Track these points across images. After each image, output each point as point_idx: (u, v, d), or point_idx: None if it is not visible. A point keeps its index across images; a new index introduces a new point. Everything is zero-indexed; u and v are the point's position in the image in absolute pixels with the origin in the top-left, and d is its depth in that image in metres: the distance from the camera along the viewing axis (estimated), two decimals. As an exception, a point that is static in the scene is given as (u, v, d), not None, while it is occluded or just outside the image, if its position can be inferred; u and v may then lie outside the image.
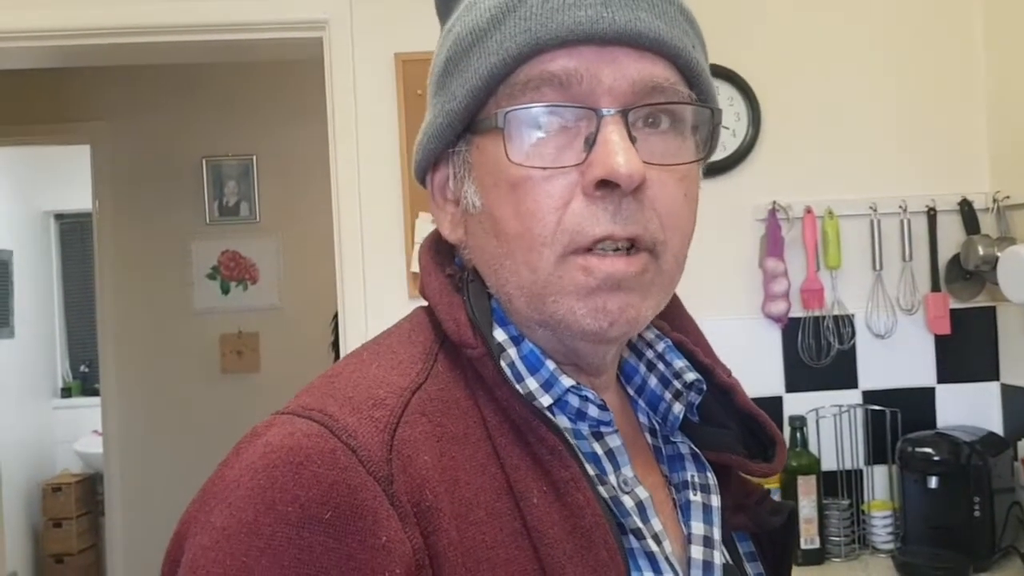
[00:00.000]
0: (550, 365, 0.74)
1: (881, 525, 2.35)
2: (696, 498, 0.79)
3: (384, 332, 0.79)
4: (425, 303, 0.79)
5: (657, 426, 0.83)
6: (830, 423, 2.44)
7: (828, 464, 2.41)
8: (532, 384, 0.74)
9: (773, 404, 2.44)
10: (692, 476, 0.80)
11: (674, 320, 0.87)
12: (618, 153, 0.68)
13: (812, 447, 2.38)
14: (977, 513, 2.20)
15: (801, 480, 2.30)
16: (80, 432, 5.81)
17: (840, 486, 2.41)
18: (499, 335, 0.75)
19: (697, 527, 0.78)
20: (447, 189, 0.79)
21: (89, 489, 5.50)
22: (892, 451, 2.39)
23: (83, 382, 6.17)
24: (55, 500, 5.38)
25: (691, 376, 0.81)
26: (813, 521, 2.30)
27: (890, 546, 2.34)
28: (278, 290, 4.45)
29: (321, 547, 0.60)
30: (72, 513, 5.36)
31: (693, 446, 0.81)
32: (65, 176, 5.70)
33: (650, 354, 0.84)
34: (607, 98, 0.69)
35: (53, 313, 6.15)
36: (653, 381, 0.83)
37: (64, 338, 6.27)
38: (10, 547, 5.13)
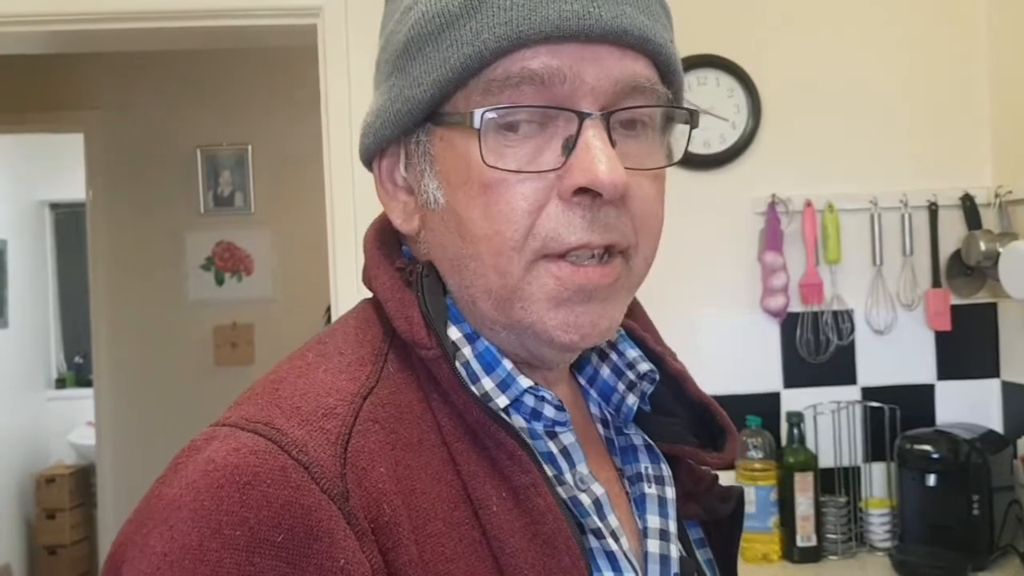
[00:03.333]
0: (507, 364, 0.71)
1: (879, 523, 2.33)
2: (651, 491, 0.77)
3: (328, 329, 0.75)
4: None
5: (609, 417, 0.81)
6: (828, 419, 2.41)
7: (826, 461, 2.39)
8: (488, 384, 0.70)
9: (771, 400, 2.41)
10: (646, 468, 0.78)
11: None
12: (601, 161, 0.65)
13: (810, 444, 2.35)
14: (976, 511, 2.18)
15: (798, 477, 2.28)
16: (74, 423, 5.79)
17: (838, 483, 2.39)
18: (453, 333, 0.71)
19: (653, 520, 0.76)
20: (396, 175, 0.75)
21: (83, 481, 5.49)
22: (891, 448, 2.36)
23: (77, 373, 6.15)
24: (48, 492, 5.37)
25: (645, 367, 0.79)
26: (810, 518, 2.28)
27: (887, 544, 2.31)
28: (273, 282, 4.43)
29: (274, 572, 0.56)
30: (66, 505, 5.35)
31: (647, 437, 0.79)
32: (60, 165, 5.67)
33: (602, 343, 0.80)
34: (589, 99, 0.66)
35: (47, 303, 6.13)
36: (606, 371, 0.81)
37: (58, 329, 6.25)
38: (3, 539, 5.12)
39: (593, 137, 0.65)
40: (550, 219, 0.66)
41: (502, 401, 0.70)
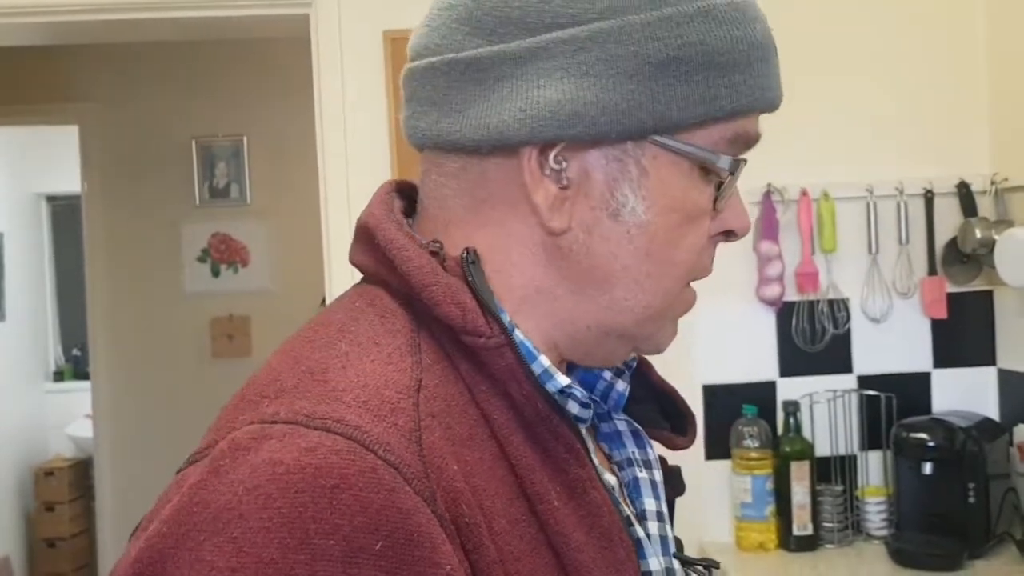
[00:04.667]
0: (544, 361, 0.68)
1: (875, 511, 2.33)
2: (643, 475, 0.78)
3: (343, 316, 0.69)
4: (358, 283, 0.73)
5: (592, 404, 0.79)
6: (824, 408, 2.41)
7: (822, 450, 2.39)
8: (537, 374, 0.68)
9: (767, 389, 2.41)
10: (633, 453, 0.79)
11: None
12: (746, 212, 0.75)
13: (806, 432, 2.35)
14: (972, 499, 2.18)
15: (794, 466, 2.28)
16: (72, 416, 5.78)
17: (834, 472, 2.38)
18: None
19: (650, 503, 0.77)
20: (546, 164, 0.68)
21: (81, 473, 5.49)
22: (887, 437, 2.36)
23: (75, 366, 6.15)
24: (47, 484, 5.37)
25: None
26: (806, 507, 2.28)
27: (884, 532, 2.31)
28: (269, 273, 4.42)
29: None
30: (64, 497, 5.35)
31: (634, 423, 0.80)
32: (56, 158, 5.65)
33: None
34: None
35: (45, 296, 6.12)
36: None
37: (56, 321, 6.24)
38: (2, 531, 5.12)
39: (738, 189, 0.73)
40: (708, 256, 0.74)
41: (550, 392, 0.68)
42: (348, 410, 0.58)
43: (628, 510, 0.72)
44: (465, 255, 0.69)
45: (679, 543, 0.82)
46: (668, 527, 0.78)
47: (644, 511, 0.76)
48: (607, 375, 0.79)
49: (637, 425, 0.79)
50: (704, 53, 0.67)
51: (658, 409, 0.84)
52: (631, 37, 0.66)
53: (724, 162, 0.69)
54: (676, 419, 0.83)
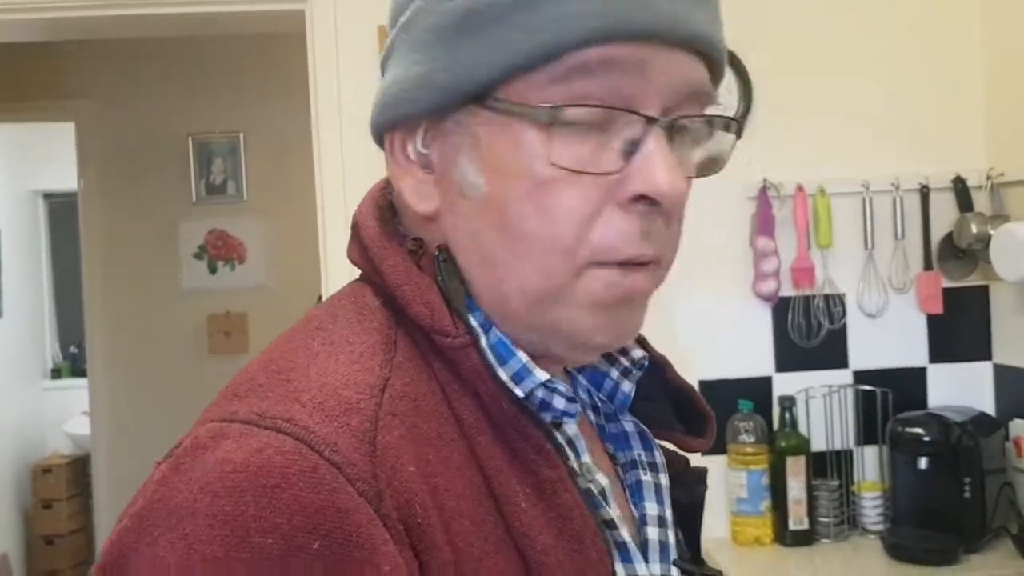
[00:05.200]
0: (522, 356, 0.67)
1: (871, 506, 2.33)
2: (647, 478, 0.75)
3: (327, 315, 0.69)
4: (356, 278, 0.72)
5: (599, 404, 0.78)
6: (820, 403, 2.41)
7: (818, 445, 2.39)
8: (503, 376, 0.66)
9: (763, 384, 2.41)
10: (639, 455, 0.76)
11: None
12: (665, 170, 0.62)
13: (802, 427, 2.35)
14: (967, 494, 2.18)
15: (790, 461, 2.28)
16: (70, 413, 5.78)
17: (830, 467, 2.39)
18: (471, 322, 0.67)
19: (651, 508, 0.75)
20: (409, 149, 0.69)
21: (79, 470, 5.48)
22: (883, 432, 2.36)
23: (73, 363, 6.14)
24: (45, 481, 5.36)
25: (638, 353, 0.77)
26: (802, 502, 2.28)
27: (880, 527, 2.32)
28: (266, 270, 4.41)
29: None
30: (62, 494, 5.34)
31: (640, 424, 0.77)
32: (54, 155, 5.63)
33: None
34: (654, 100, 0.63)
35: (42, 293, 6.11)
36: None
37: (54, 319, 6.24)
38: (0, 529, 5.12)
39: (657, 143, 0.63)
40: (605, 226, 0.64)
41: (518, 393, 0.66)
42: (302, 410, 0.58)
43: (614, 513, 0.69)
44: (437, 253, 0.68)
45: (696, 550, 0.81)
46: (670, 532, 0.75)
47: (645, 515, 0.74)
48: (614, 374, 0.77)
49: (644, 427, 0.77)
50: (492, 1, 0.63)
51: (672, 409, 0.81)
52: (431, 8, 0.66)
53: (544, 113, 0.62)
54: (694, 419, 0.80)
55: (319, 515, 0.53)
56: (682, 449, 0.80)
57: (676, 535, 0.77)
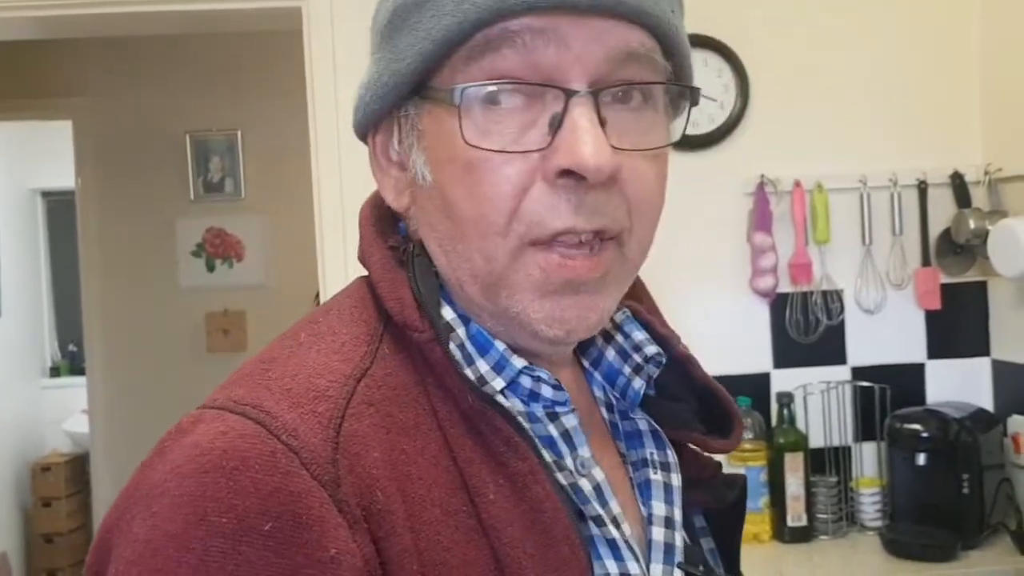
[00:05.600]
0: (500, 346, 0.68)
1: (869, 502, 2.33)
2: (656, 477, 0.74)
3: (323, 309, 0.72)
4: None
5: (614, 400, 0.78)
6: (818, 400, 2.41)
7: (816, 441, 2.39)
8: (483, 367, 0.68)
9: (760, 380, 2.41)
10: (651, 454, 0.75)
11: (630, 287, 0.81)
12: (586, 142, 0.61)
13: (800, 424, 2.35)
14: (966, 490, 2.18)
15: (788, 457, 2.28)
16: (69, 412, 5.78)
17: (828, 463, 2.38)
18: (447, 314, 0.69)
19: (658, 508, 0.74)
20: (390, 150, 0.72)
21: (78, 469, 5.48)
22: (881, 428, 2.36)
23: (71, 361, 6.13)
24: (44, 480, 5.36)
25: (652, 349, 0.76)
26: (800, 499, 2.28)
27: (878, 523, 2.31)
28: (264, 268, 4.41)
29: (261, 562, 0.54)
30: (61, 493, 5.34)
31: (653, 422, 0.76)
32: (52, 153, 5.62)
33: (607, 324, 0.77)
34: (577, 71, 0.63)
35: (41, 292, 6.11)
36: (611, 353, 0.78)
37: (52, 317, 6.23)
38: (0, 527, 5.12)
39: (579, 116, 0.62)
40: (534, 202, 0.63)
41: (498, 383, 0.68)
42: (270, 397, 0.60)
43: (615, 510, 0.69)
44: (411, 248, 0.70)
45: (734, 559, 0.80)
46: (678, 535, 0.73)
47: (651, 515, 0.74)
48: (626, 371, 0.77)
49: (656, 425, 0.76)
50: None
51: (698, 408, 0.80)
52: (377, 12, 0.71)
53: (455, 94, 0.63)
54: (720, 418, 0.79)
55: (272, 497, 0.55)
56: (704, 450, 0.79)
57: (688, 538, 0.76)
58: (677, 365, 0.79)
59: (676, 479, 0.75)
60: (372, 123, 0.73)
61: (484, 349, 0.69)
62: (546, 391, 0.68)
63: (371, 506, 0.58)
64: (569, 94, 0.62)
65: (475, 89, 0.63)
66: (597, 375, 0.79)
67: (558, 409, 0.69)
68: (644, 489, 0.75)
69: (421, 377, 0.66)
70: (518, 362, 0.68)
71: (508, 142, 0.63)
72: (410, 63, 0.66)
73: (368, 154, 0.74)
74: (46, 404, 5.90)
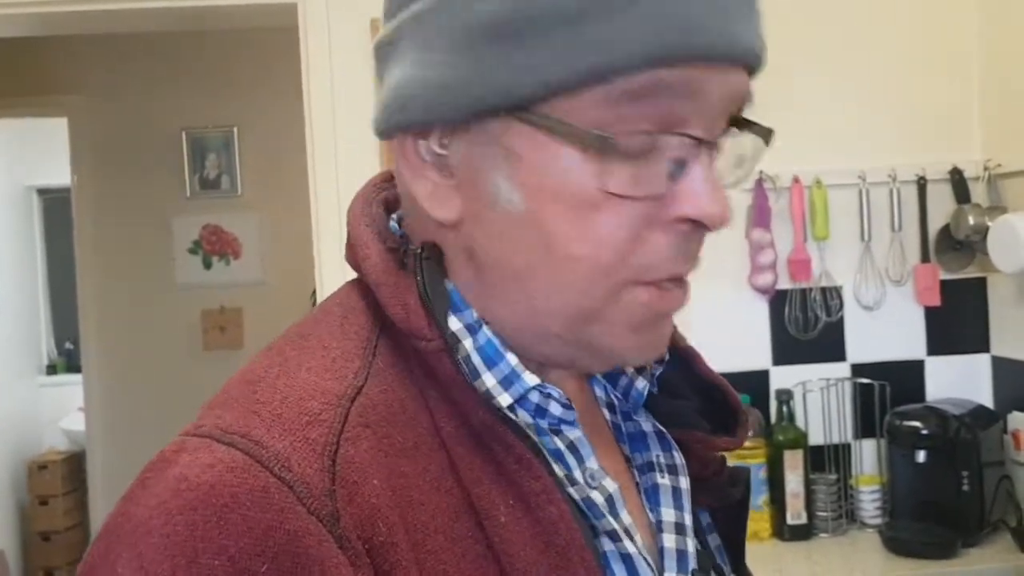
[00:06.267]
0: (511, 359, 0.63)
1: (869, 500, 2.32)
2: (664, 481, 0.71)
3: (310, 319, 0.67)
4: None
5: (616, 401, 0.75)
6: (817, 397, 2.40)
7: (815, 438, 2.38)
8: (489, 381, 0.63)
9: (760, 377, 2.40)
10: (657, 456, 0.72)
11: None
12: (711, 193, 0.60)
13: (799, 421, 2.34)
14: (966, 487, 2.17)
15: (788, 454, 2.27)
16: (66, 410, 5.76)
17: (828, 460, 2.38)
18: (453, 323, 0.64)
19: (668, 513, 0.71)
20: (422, 150, 0.64)
21: (75, 467, 5.46)
22: (880, 425, 2.35)
23: (68, 359, 6.12)
24: (41, 478, 5.35)
25: None
26: (800, 496, 2.27)
27: (878, 521, 2.31)
28: (261, 265, 4.40)
29: None
30: (58, 491, 5.33)
31: (657, 424, 0.73)
32: (48, 150, 5.61)
33: None
34: (705, 119, 0.60)
35: (37, 290, 6.09)
36: None
37: (49, 315, 6.21)
38: (-4, 525, 5.11)
39: (703, 165, 0.60)
40: (651, 249, 0.61)
41: (504, 399, 0.63)
42: (260, 423, 0.56)
43: (626, 521, 0.66)
44: (419, 250, 0.64)
45: (739, 557, 0.78)
46: (690, 540, 0.70)
47: (661, 522, 0.71)
48: (628, 370, 0.74)
49: (661, 427, 0.73)
50: (544, 7, 0.57)
51: (701, 405, 0.77)
52: (458, 5, 0.59)
53: (595, 138, 0.58)
54: (724, 414, 0.76)
55: (267, 537, 0.51)
56: (709, 449, 0.75)
57: (698, 542, 0.73)
58: (679, 361, 0.76)
59: (684, 482, 0.72)
60: (423, 126, 0.63)
61: (492, 362, 0.63)
62: (555, 408, 0.64)
63: (373, 539, 0.55)
64: (698, 142, 0.60)
65: (615, 138, 0.58)
66: (598, 375, 0.75)
67: (563, 427, 0.66)
68: (651, 494, 0.72)
69: (420, 391, 0.62)
70: (531, 379, 0.63)
71: (631, 187, 0.59)
72: (526, 85, 0.58)
73: (397, 152, 0.65)
74: (43, 402, 5.89)
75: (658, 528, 0.70)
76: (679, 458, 0.73)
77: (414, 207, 0.66)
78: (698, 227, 0.62)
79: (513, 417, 0.62)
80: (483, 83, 0.58)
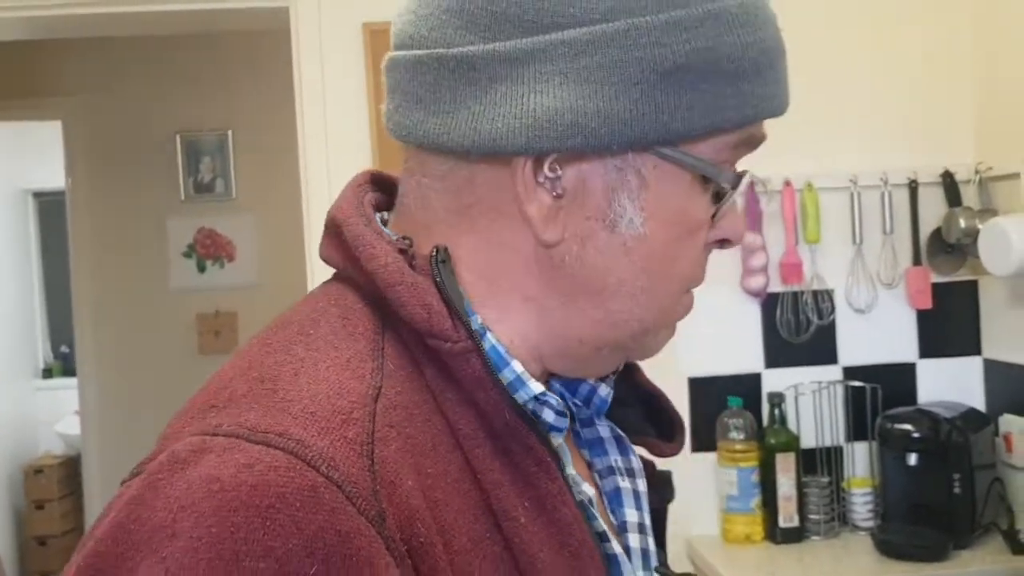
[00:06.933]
0: (516, 367, 0.65)
1: (861, 503, 2.32)
2: (625, 484, 0.74)
3: (304, 317, 0.66)
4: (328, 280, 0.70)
5: (574, 409, 0.76)
6: (809, 400, 2.40)
7: (807, 441, 2.38)
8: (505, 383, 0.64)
9: (752, 381, 2.40)
10: (616, 460, 0.75)
11: None
12: (742, 220, 0.72)
13: (791, 424, 2.34)
14: (957, 490, 2.17)
15: (780, 457, 2.27)
16: (62, 413, 5.76)
17: (819, 463, 2.38)
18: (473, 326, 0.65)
19: (631, 514, 0.73)
20: (537, 173, 0.64)
21: (71, 471, 5.46)
22: (872, 428, 2.35)
23: (64, 363, 6.11)
24: (37, 482, 5.35)
25: None
26: (792, 499, 2.27)
27: (870, 524, 2.31)
28: (256, 268, 4.39)
29: None
30: (54, 495, 5.33)
31: (616, 428, 0.76)
32: (43, 153, 5.61)
33: None
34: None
35: (33, 293, 6.09)
36: None
37: (44, 318, 6.21)
38: (-8, 529, 5.10)
39: (738, 196, 0.69)
40: (699, 264, 0.70)
41: (518, 401, 0.64)
42: (294, 422, 0.54)
43: (605, 523, 0.69)
44: (435, 253, 0.64)
45: (662, 555, 0.80)
46: (650, 539, 0.74)
47: (625, 523, 0.73)
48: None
49: (620, 431, 0.76)
50: (712, 60, 0.63)
51: (643, 412, 0.80)
52: (636, 42, 0.62)
53: (727, 177, 0.67)
54: (663, 422, 0.80)
55: (317, 538, 0.50)
56: (654, 454, 0.78)
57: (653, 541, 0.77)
58: (623, 371, 0.78)
59: (642, 484, 0.75)
60: (563, 149, 0.64)
61: (497, 368, 0.64)
62: (548, 415, 0.66)
63: (412, 540, 0.54)
64: (741, 178, 0.68)
65: (735, 177, 0.68)
66: (555, 383, 0.75)
67: (552, 434, 0.67)
68: (614, 497, 0.74)
69: (433, 394, 0.62)
70: (535, 387, 0.65)
71: (709, 214, 0.69)
72: (687, 125, 0.64)
73: (518, 174, 0.65)
74: (39, 406, 5.89)
75: (623, 528, 0.73)
76: (636, 461, 0.76)
77: (425, 212, 0.68)
78: (724, 246, 0.72)
79: (535, 419, 0.64)
80: (651, 121, 0.63)
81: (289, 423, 0.54)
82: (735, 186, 0.67)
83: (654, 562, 0.73)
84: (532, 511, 0.61)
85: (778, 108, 0.69)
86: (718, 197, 0.68)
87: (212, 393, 0.60)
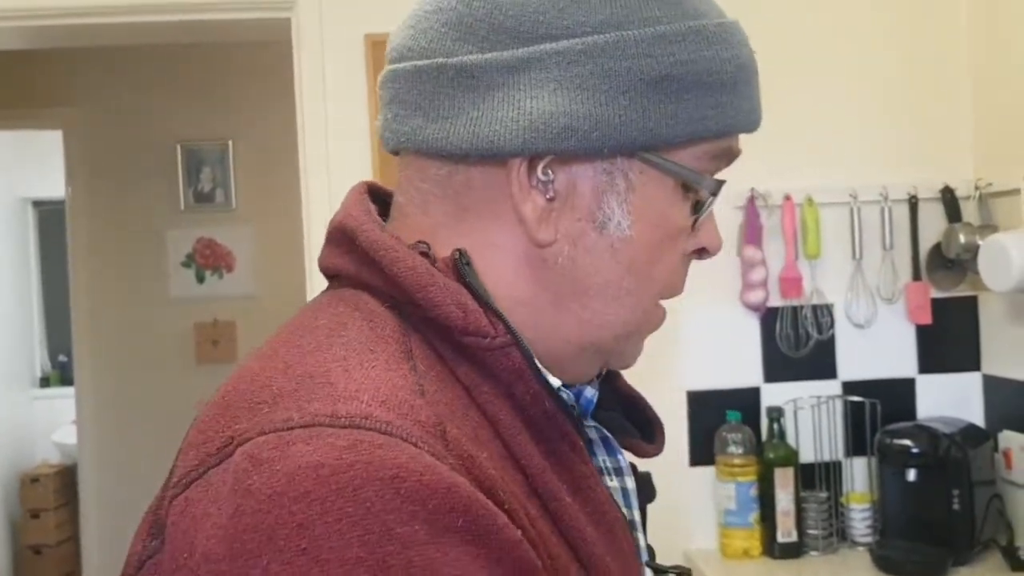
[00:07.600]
0: (537, 361, 0.69)
1: (859, 518, 2.32)
2: (613, 483, 0.78)
3: (329, 321, 0.66)
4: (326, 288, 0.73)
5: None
6: (808, 414, 2.40)
7: (806, 456, 2.37)
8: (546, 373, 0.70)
9: (751, 395, 2.40)
10: (604, 461, 0.78)
11: None
12: (719, 230, 0.75)
13: (790, 439, 2.34)
14: (956, 506, 2.16)
15: (778, 472, 2.27)
16: (59, 423, 5.75)
17: (818, 478, 2.37)
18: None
19: (624, 512, 0.76)
20: (530, 175, 0.68)
21: (67, 480, 5.45)
22: (871, 443, 2.35)
23: (62, 372, 6.11)
24: (33, 491, 5.33)
25: None
26: (790, 514, 2.26)
27: (868, 539, 2.30)
28: (254, 278, 4.39)
29: (468, 557, 0.52)
30: (50, 504, 5.32)
31: (603, 429, 0.79)
32: (43, 162, 5.63)
33: None
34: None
35: (31, 302, 6.09)
36: None
37: (42, 327, 6.21)
38: (-13, 538, 5.09)
39: (714, 206, 0.73)
40: (677, 273, 0.74)
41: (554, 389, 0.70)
42: (371, 408, 0.56)
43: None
44: (458, 256, 0.67)
45: (651, 551, 0.82)
46: (641, 535, 0.78)
47: None
48: None
49: (607, 432, 0.79)
50: (695, 72, 0.68)
51: (624, 416, 0.83)
52: (626, 52, 0.67)
53: (708, 184, 0.70)
54: (643, 426, 0.83)
55: (451, 495, 0.53)
56: (637, 455, 0.82)
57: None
58: (604, 378, 0.82)
59: (631, 482, 0.79)
60: (556, 152, 0.68)
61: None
62: (588, 392, 0.73)
63: (500, 505, 0.57)
64: (721, 184, 0.72)
65: (716, 184, 0.71)
66: None
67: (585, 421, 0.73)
68: None
69: (466, 390, 0.65)
70: (554, 381, 0.68)
71: (688, 221, 0.72)
72: (673, 133, 0.68)
73: (513, 175, 0.68)
74: (36, 415, 5.88)
75: None
76: (624, 461, 0.79)
77: (426, 218, 0.71)
78: (702, 255, 0.75)
79: (571, 407, 0.68)
80: (639, 126, 0.67)
81: (368, 408, 0.56)
82: (715, 192, 0.71)
83: (644, 556, 0.77)
84: (570, 492, 0.66)
85: (754, 123, 0.72)
86: (697, 207, 0.71)
87: (250, 393, 0.60)
